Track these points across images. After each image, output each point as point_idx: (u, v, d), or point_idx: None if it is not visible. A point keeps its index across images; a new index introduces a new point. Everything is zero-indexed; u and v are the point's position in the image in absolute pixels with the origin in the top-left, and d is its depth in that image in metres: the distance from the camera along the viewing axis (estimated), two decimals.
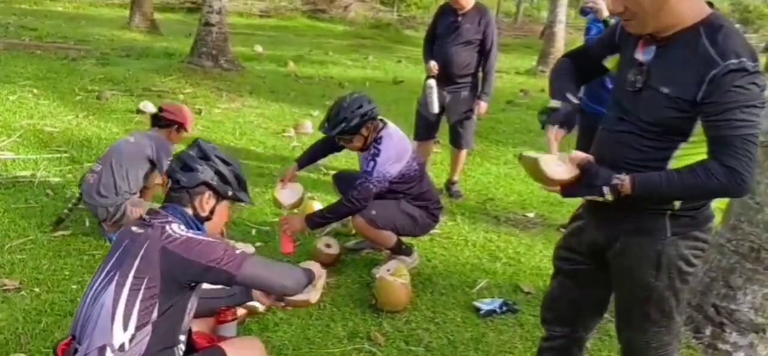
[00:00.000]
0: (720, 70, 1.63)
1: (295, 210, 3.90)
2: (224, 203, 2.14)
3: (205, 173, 2.06)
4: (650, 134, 1.80)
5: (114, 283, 1.87)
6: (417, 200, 3.58)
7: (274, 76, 10.30)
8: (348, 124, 3.35)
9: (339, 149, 3.69)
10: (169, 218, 1.98)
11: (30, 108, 6.39)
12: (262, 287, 2.01)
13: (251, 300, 2.33)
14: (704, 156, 1.71)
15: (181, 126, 3.98)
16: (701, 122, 1.69)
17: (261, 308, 2.71)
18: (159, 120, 3.98)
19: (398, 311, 3.24)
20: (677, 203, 1.84)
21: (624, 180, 1.76)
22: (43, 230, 3.74)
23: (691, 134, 1.74)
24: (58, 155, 5.02)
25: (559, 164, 1.83)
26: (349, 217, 3.55)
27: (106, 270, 1.93)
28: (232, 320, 2.31)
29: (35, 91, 7.11)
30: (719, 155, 1.65)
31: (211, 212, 2.10)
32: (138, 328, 1.85)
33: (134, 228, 1.98)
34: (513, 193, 5.42)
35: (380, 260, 3.75)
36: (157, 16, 15.63)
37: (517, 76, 12.83)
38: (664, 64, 1.77)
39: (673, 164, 1.78)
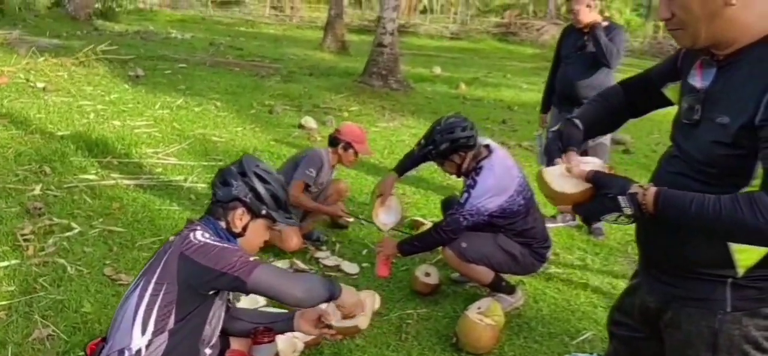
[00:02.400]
0: None
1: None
2: (260, 222, 2.11)
3: (239, 190, 2.06)
4: (704, 177, 1.41)
5: (139, 288, 1.95)
6: (519, 237, 3.27)
7: (443, 98, 10.33)
8: (436, 148, 3.18)
9: None
10: (197, 228, 2.01)
11: (208, 119, 7.13)
12: (273, 295, 1.94)
13: (293, 329, 2.29)
14: None
15: (348, 145, 3.98)
16: (759, 152, 1.28)
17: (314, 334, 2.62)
18: (332, 139, 4.11)
19: (479, 354, 2.97)
20: (741, 270, 1.41)
21: (647, 189, 1.39)
22: (177, 233, 4.09)
23: (755, 176, 1.33)
24: (213, 164, 5.50)
25: (569, 178, 1.50)
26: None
27: (140, 275, 2.03)
28: (269, 342, 2.29)
29: (218, 103, 7.93)
30: None
31: (244, 228, 2.09)
32: (155, 334, 1.91)
33: (172, 237, 2.05)
34: None
35: (482, 296, 3.49)
36: (350, 37, 16.66)
37: None
38: (725, 89, 1.39)
39: None
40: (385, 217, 3.65)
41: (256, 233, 2.13)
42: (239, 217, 2.07)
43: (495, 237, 3.25)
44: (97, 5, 18.43)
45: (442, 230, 3.20)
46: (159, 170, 5.18)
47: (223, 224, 2.08)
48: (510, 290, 3.40)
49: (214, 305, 2.01)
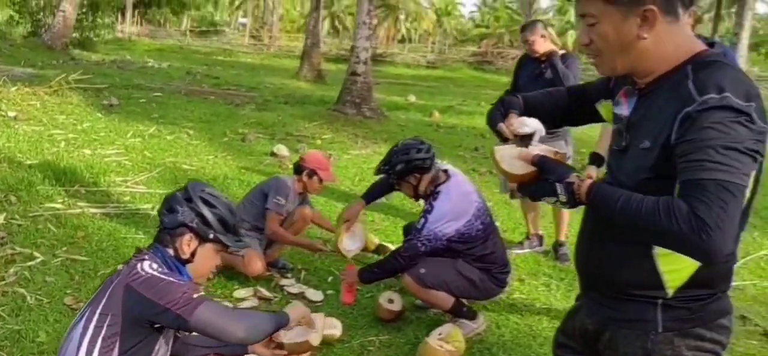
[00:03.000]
0: (696, 106, 1.30)
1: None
2: (208, 246, 2.11)
3: (185, 215, 2.07)
4: None
5: (85, 318, 1.95)
6: (479, 262, 3.33)
7: (416, 126, 10.45)
8: (393, 168, 3.25)
9: None
10: (145, 257, 2.02)
11: (180, 147, 7.13)
12: (216, 335, 1.94)
13: (247, 352, 2.31)
14: None
15: (312, 172, 4.00)
16: (676, 168, 1.34)
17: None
18: (297, 166, 4.13)
19: None
20: (670, 290, 1.47)
21: (583, 181, 1.44)
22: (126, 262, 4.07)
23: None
24: None
25: (517, 160, 1.57)
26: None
27: (86, 305, 2.02)
28: None
29: (191, 132, 7.94)
30: (688, 198, 1.27)
31: (193, 254, 2.09)
32: None
33: (120, 266, 2.06)
34: None
35: (445, 322, 3.53)
36: (327, 66, 16.85)
37: None
38: (646, 115, 1.45)
39: (659, 251, 1.44)
40: (349, 243, 3.68)
41: (205, 258, 2.13)
42: (187, 243, 2.08)
43: (454, 263, 3.30)
44: (74, 34, 18.41)
45: (400, 256, 3.24)
46: (127, 198, 5.17)
47: (171, 251, 2.08)
48: (472, 315, 3.44)
49: (159, 339, 2.00)
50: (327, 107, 10.54)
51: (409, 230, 3.71)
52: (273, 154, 7.31)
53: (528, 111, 1.78)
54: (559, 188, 1.46)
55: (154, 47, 22.06)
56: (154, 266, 1.98)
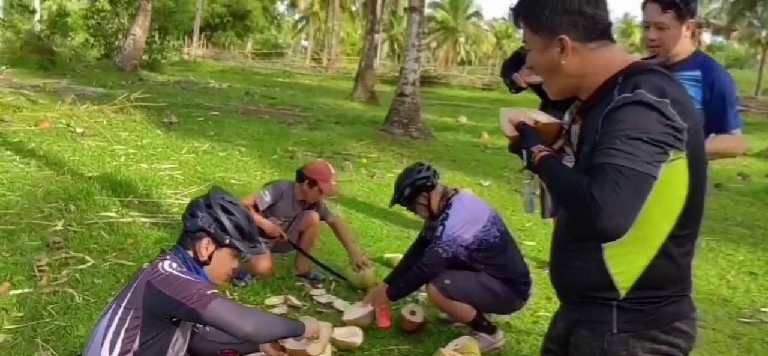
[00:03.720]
0: (613, 104, 1.44)
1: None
2: (224, 251, 2.29)
3: (204, 220, 2.25)
4: None
5: (111, 311, 2.16)
6: (500, 273, 3.40)
7: (464, 146, 10.51)
8: (401, 195, 3.39)
9: None
10: (167, 257, 2.21)
11: (230, 163, 7.47)
12: (225, 329, 2.11)
13: (257, 350, 2.47)
14: (649, 250, 1.48)
15: (313, 182, 4.12)
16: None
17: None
18: (299, 174, 4.31)
19: None
20: (622, 291, 1.54)
21: (540, 152, 1.61)
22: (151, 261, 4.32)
23: None
24: None
25: (510, 123, 1.75)
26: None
27: (113, 299, 2.23)
28: None
29: (243, 149, 8.29)
30: (591, 180, 1.41)
31: (210, 257, 2.27)
32: (121, 355, 2.10)
33: (145, 265, 2.27)
34: None
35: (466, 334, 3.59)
36: (383, 88, 17.14)
37: (743, 157, 11.20)
38: (588, 126, 1.57)
39: (608, 252, 1.52)
40: (354, 311, 3.68)
41: (222, 262, 2.30)
42: (205, 246, 2.26)
43: (478, 276, 3.39)
44: (143, 57, 19.40)
45: (423, 266, 3.35)
46: (175, 209, 5.47)
47: (190, 253, 2.26)
48: (491, 330, 3.50)
49: (176, 332, 2.18)
50: (376, 127, 10.75)
51: (422, 245, 3.75)
52: None
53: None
54: (524, 153, 1.65)
55: (217, 69, 22.99)
56: (174, 265, 2.17)
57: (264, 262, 3.96)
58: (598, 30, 1.55)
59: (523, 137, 1.69)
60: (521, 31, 1.65)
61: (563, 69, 1.57)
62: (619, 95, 1.45)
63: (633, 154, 1.38)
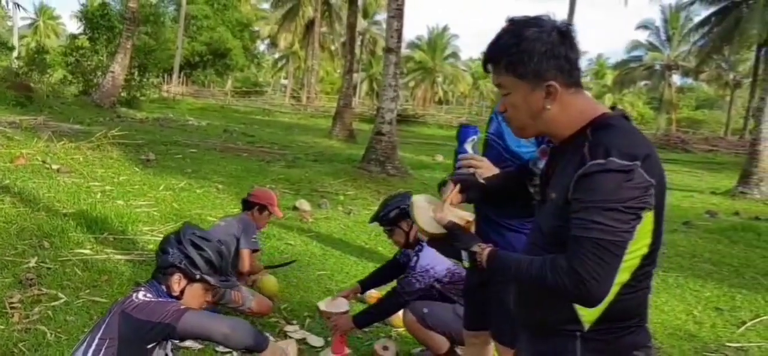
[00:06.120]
0: (584, 169, 1.49)
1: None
2: (196, 286, 2.33)
3: (175, 257, 2.30)
4: (550, 247, 1.64)
5: (85, 343, 2.19)
6: None
7: (438, 183, 10.63)
8: (386, 215, 3.47)
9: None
10: (141, 289, 2.27)
11: (207, 200, 7.50)
12: (202, 334, 2.15)
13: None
14: (614, 289, 1.52)
15: (263, 207, 4.29)
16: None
17: None
18: (246, 203, 4.41)
19: None
20: (586, 324, 1.62)
21: (484, 250, 1.66)
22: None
23: None
24: None
25: (432, 219, 1.78)
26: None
27: (88, 332, 2.27)
28: None
29: (220, 186, 8.33)
30: (569, 254, 1.49)
31: (182, 292, 2.32)
32: None
33: (120, 298, 2.31)
34: None
35: None
36: (361, 126, 17.31)
37: (711, 196, 11.51)
38: (556, 171, 1.65)
39: None
40: (330, 306, 3.76)
41: (194, 296, 2.34)
42: (176, 282, 2.30)
43: (454, 307, 3.46)
44: (122, 94, 19.39)
45: (396, 294, 3.43)
46: (151, 246, 5.48)
47: (164, 287, 2.32)
48: None
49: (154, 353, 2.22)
50: (353, 165, 10.86)
51: (396, 268, 3.83)
52: (295, 208, 7.60)
53: (487, 195, 2.09)
54: (464, 254, 1.71)
55: (197, 106, 23.06)
56: (149, 295, 2.22)
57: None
58: (576, 76, 1.61)
59: (456, 238, 1.75)
60: (492, 76, 1.67)
61: (545, 115, 1.61)
62: (590, 155, 1.49)
63: (611, 226, 1.45)
